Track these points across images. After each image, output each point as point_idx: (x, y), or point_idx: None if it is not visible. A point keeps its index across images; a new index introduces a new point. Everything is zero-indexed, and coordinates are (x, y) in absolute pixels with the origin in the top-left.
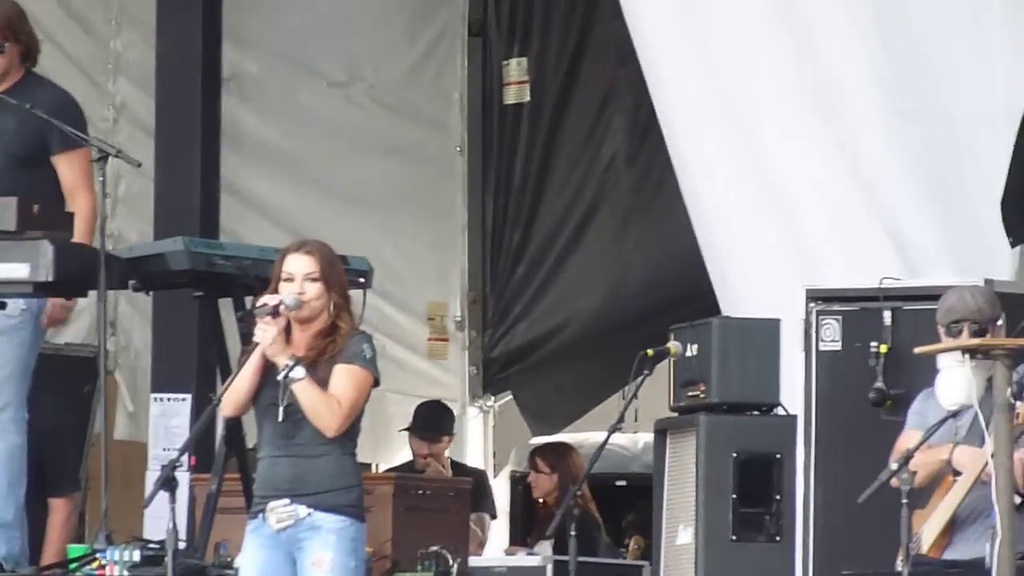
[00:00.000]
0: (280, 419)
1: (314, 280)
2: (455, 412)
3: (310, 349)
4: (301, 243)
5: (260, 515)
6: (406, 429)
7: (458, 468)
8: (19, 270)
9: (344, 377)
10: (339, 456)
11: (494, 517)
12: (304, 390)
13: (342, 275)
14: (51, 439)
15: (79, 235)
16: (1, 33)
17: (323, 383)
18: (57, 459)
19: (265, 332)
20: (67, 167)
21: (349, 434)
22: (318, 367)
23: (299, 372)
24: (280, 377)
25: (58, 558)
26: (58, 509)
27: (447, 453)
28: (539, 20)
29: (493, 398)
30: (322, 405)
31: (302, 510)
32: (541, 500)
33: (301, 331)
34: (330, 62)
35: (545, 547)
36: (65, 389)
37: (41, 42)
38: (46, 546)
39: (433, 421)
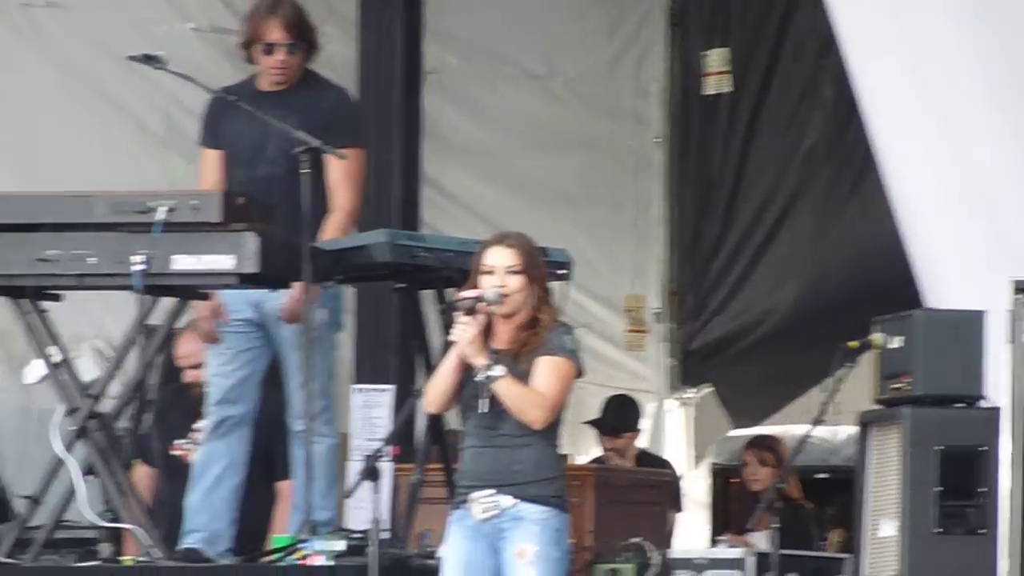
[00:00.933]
0: (483, 411)
1: (515, 273)
2: (654, 404)
3: (513, 342)
4: (502, 236)
5: (463, 506)
6: (589, 423)
7: (647, 459)
8: (224, 262)
9: (547, 369)
10: (543, 447)
11: (679, 511)
12: (506, 388)
13: (543, 267)
14: (277, 427)
15: (330, 231)
16: (292, 34)
17: (525, 376)
18: (283, 446)
19: (464, 331)
20: (335, 164)
21: (553, 425)
22: (520, 359)
23: (498, 371)
24: (479, 378)
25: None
26: (285, 494)
27: (640, 444)
28: (739, 9)
29: (693, 390)
30: (526, 401)
31: (506, 501)
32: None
33: (503, 324)
34: (529, 55)
35: (759, 539)
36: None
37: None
38: (272, 530)
39: (615, 417)
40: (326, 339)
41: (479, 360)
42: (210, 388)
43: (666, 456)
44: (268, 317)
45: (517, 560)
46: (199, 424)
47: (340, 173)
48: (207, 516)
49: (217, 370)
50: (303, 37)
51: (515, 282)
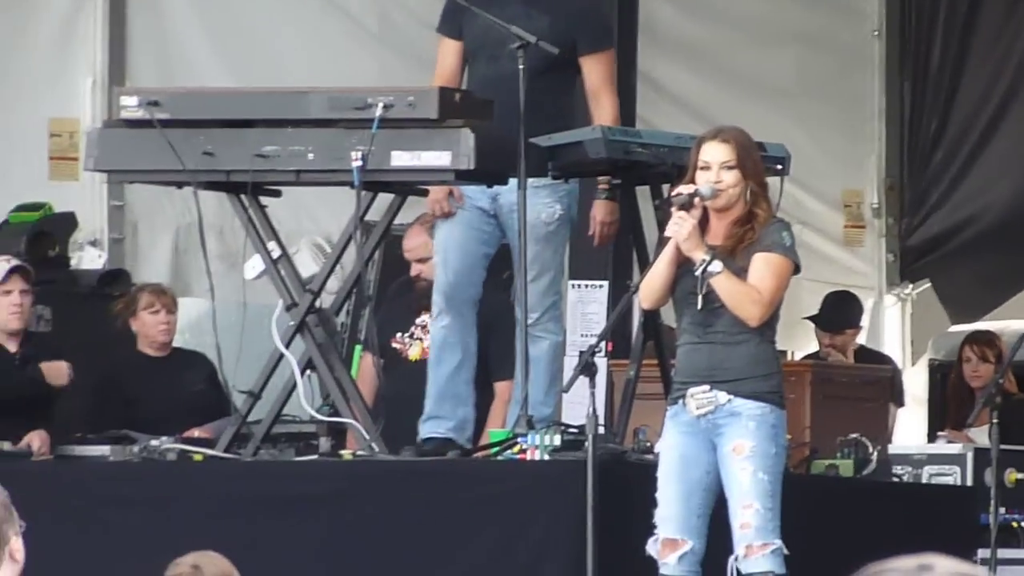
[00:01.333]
0: (699, 307)
1: (731, 168)
2: (872, 300)
3: (728, 238)
4: (717, 130)
5: (680, 401)
6: (809, 318)
7: (866, 355)
8: (441, 158)
9: (763, 266)
10: (758, 343)
11: (901, 406)
12: (723, 283)
13: (759, 162)
14: (495, 326)
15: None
16: None
17: (742, 272)
18: (500, 344)
19: (680, 226)
20: (593, 68)
21: (769, 321)
22: (736, 256)
23: (716, 266)
24: (697, 272)
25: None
26: (501, 392)
27: (860, 340)
28: None
29: (911, 286)
30: (743, 297)
31: (722, 396)
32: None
33: (718, 219)
34: None
35: (978, 434)
36: (494, 277)
37: None
38: (488, 427)
39: (836, 313)
40: (559, 235)
41: (697, 254)
42: (438, 267)
43: (885, 352)
44: (502, 209)
45: (733, 455)
46: (422, 318)
47: (600, 78)
48: (452, 402)
49: (447, 250)
50: None
51: (730, 177)
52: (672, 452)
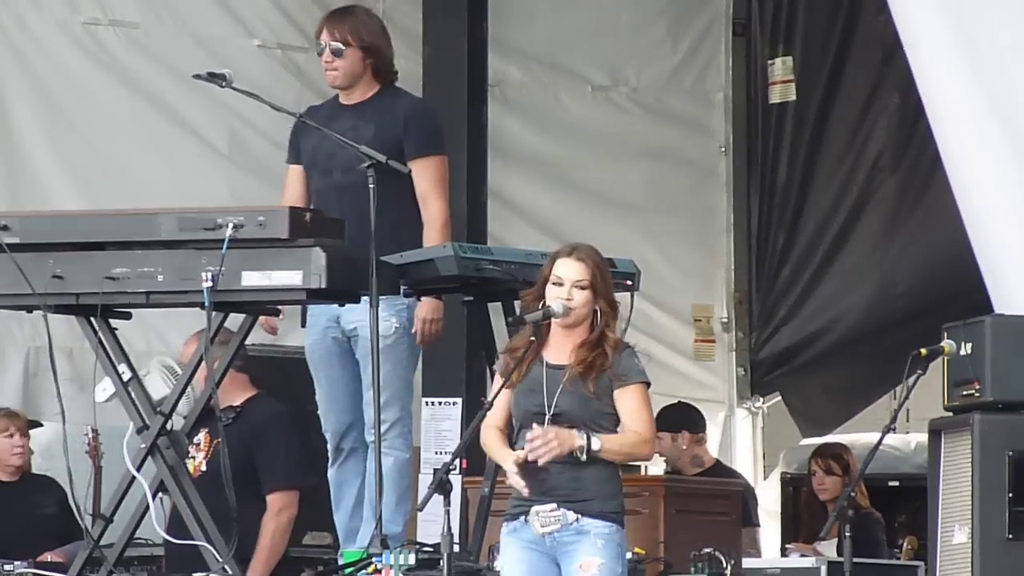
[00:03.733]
0: (546, 425)
1: (583, 288)
2: (723, 414)
3: (579, 362)
4: (573, 247)
5: (522, 518)
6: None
7: (721, 470)
8: (292, 277)
9: (634, 401)
10: (605, 463)
11: (755, 526)
12: (610, 449)
13: (610, 283)
14: (262, 434)
15: (429, 242)
16: (341, 37)
17: (594, 397)
18: (267, 453)
19: (548, 449)
20: (421, 172)
21: None
22: (589, 381)
23: (596, 444)
24: (583, 458)
25: (267, 552)
26: (272, 504)
27: (711, 452)
28: (803, 18)
29: (761, 399)
30: (631, 448)
31: (570, 515)
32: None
33: (564, 336)
34: (592, 66)
35: (827, 547)
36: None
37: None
38: (260, 540)
39: (672, 415)
40: (398, 348)
41: (576, 448)
42: (322, 415)
43: (736, 466)
44: (347, 330)
45: (581, 572)
46: (197, 436)
47: (428, 182)
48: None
49: (324, 398)
50: (358, 45)
51: (581, 296)
52: (517, 567)
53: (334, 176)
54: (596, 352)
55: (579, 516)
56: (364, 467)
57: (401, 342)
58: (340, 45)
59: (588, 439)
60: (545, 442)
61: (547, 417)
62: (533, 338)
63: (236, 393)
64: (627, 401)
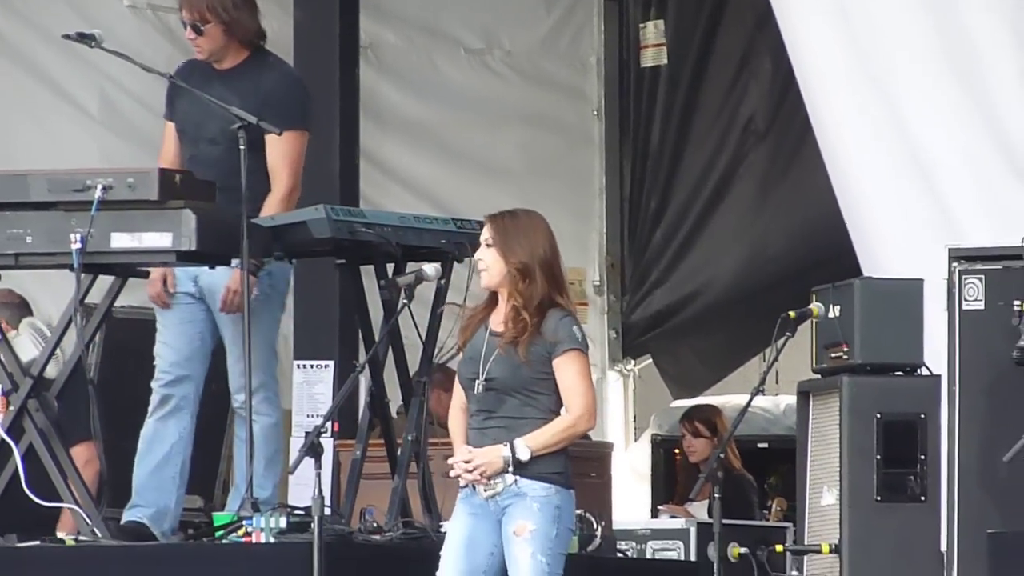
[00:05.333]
0: (479, 391)
1: (488, 247)
2: (595, 377)
3: (508, 327)
4: (496, 211)
5: (472, 484)
6: None
7: None
8: (162, 239)
9: (570, 372)
10: (543, 424)
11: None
12: (543, 445)
13: (527, 247)
14: (64, 392)
15: (267, 212)
16: (199, 15)
17: (525, 363)
18: (66, 409)
19: (471, 474)
20: (274, 146)
21: (552, 406)
22: (519, 346)
23: (524, 453)
24: (511, 471)
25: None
26: (76, 456)
27: None
28: None
29: (633, 362)
30: (562, 436)
31: (508, 477)
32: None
33: (502, 302)
34: (467, 30)
35: (698, 509)
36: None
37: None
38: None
39: None
40: (262, 312)
41: (504, 461)
42: (156, 363)
43: (608, 429)
44: (205, 291)
45: (513, 537)
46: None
47: (280, 157)
48: (155, 493)
49: (162, 345)
50: (217, 19)
51: (487, 256)
52: (458, 534)
53: (200, 147)
54: (517, 318)
55: (517, 478)
56: (184, 431)
57: (266, 306)
58: (199, 23)
59: (513, 451)
60: (469, 469)
61: (478, 382)
62: (406, 300)
63: None
64: (562, 375)
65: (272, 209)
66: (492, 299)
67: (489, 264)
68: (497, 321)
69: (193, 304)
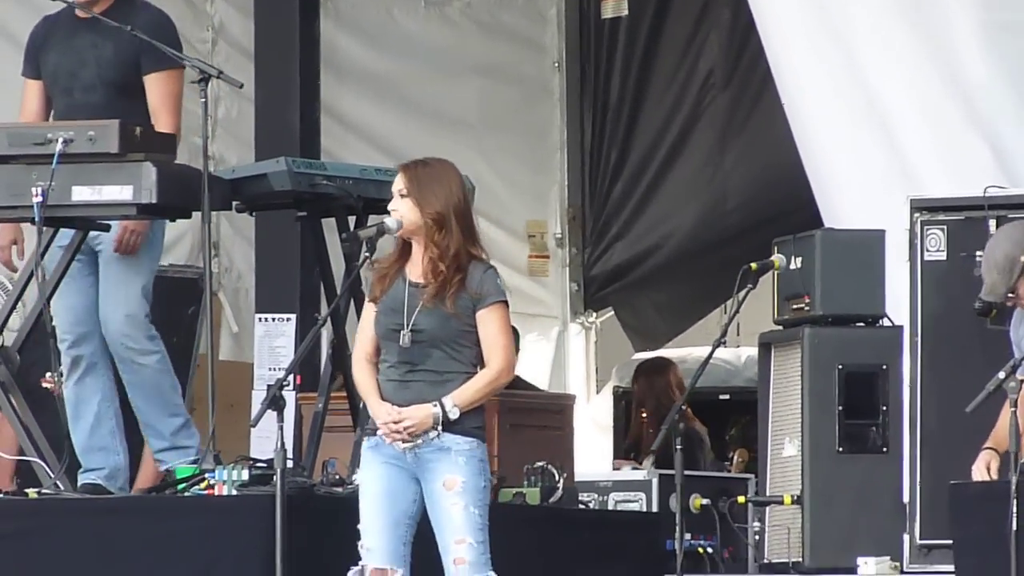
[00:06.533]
0: (405, 344)
1: (403, 196)
2: (556, 329)
3: (430, 280)
4: (409, 161)
5: (380, 434)
6: None
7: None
8: (123, 192)
9: (493, 326)
10: (466, 378)
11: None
12: (470, 404)
13: (443, 196)
14: None
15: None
16: None
17: (453, 315)
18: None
19: (403, 436)
20: (154, 88)
21: (473, 357)
22: (445, 299)
23: (454, 412)
24: (439, 429)
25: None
26: None
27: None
28: None
29: (595, 315)
30: (488, 388)
31: (431, 432)
32: (644, 416)
33: (420, 253)
34: None
35: (648, 463)
36: (169, 311)
37: None
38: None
39: None
40: (143, 262)
41: (434, 419)
42: (57, 327)
43: (570, 381)
44: (90, 242)
45: (444, 491)
46: None
47: (159, 98)
48: (100, 454)
49: (59, 307)
50: None
51: (402, 206)
52: (376, 484)
53: (75, 96)
54: (437, 269)
55: (440, 432)
56: (105, 387)
57: (144, 251)
58: None
59: (442, 408)
60: (399, 429)
61: (404, 334)
62: (368, 253)
63: None
64: (485, 328)
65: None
66: (404, 249)
67: (404, 214)
68: (416, 272)
69: (81, 263)
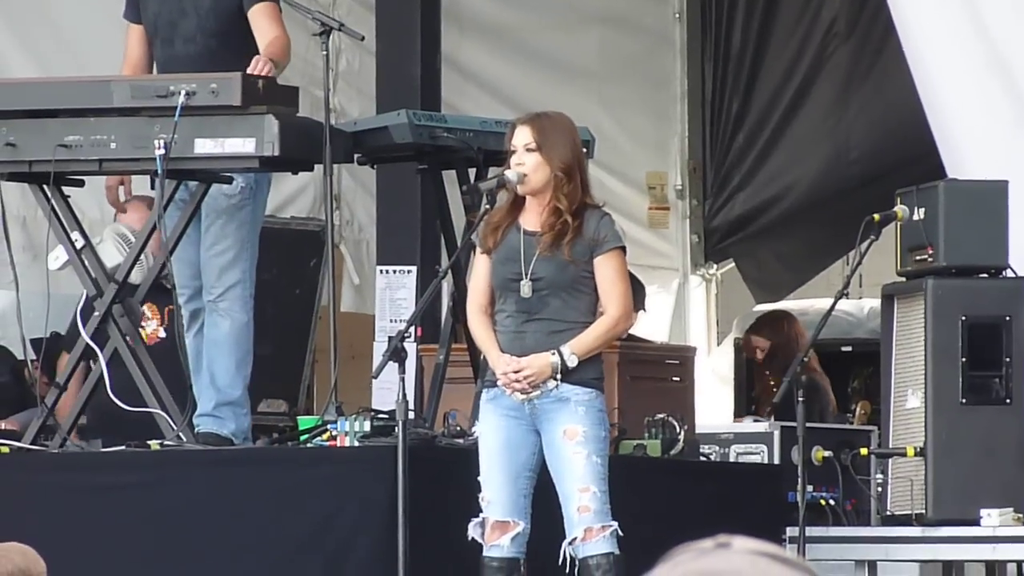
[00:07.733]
0: (526, 295)
1: (530, 151)
2: (677, 281)
3: (549, 229)
4: (527, 115)
5: (500, 385)
6: None
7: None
8: (245, 145)
9: (611, 272)
10: (583, 327)
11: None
12: (588, 352)
13: (568, 148)
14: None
15: (268, 53)
16: None
17: (571, 262)
18: None
19: (522, 386)
20: (261, 18)
21: (593, 308)
22: (563, 248)
23: (572, 360)
24: (559, 378)
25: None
26: None
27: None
28: None
29: (715, 266)
30: (607, 336)
31: (550, 382)
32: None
33: (536, 203)
34: None
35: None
36: (292, 263)
37: None
38: None
39: None
40: (244, 209)
41: (549, 373)
42: (176, 280)
43: (690, 333)
44: (192, 190)
45: (566, 440)
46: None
47: (267, 23)
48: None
49: (176, 261)
50: None
51: (530, 160)
52: (496, 435)
53: (176, 46)
54: (559, 218)
55: (559, 383)
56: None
57: (246, 203)
58: None
59: (561, 357)
60: (519, 378)
61: (524, 282)
62: (488, 206)
63: None
64: (602, 273)
65: (275, 52)
66: (517, 199)
67: (533, 168)
68: (531, 222)
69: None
